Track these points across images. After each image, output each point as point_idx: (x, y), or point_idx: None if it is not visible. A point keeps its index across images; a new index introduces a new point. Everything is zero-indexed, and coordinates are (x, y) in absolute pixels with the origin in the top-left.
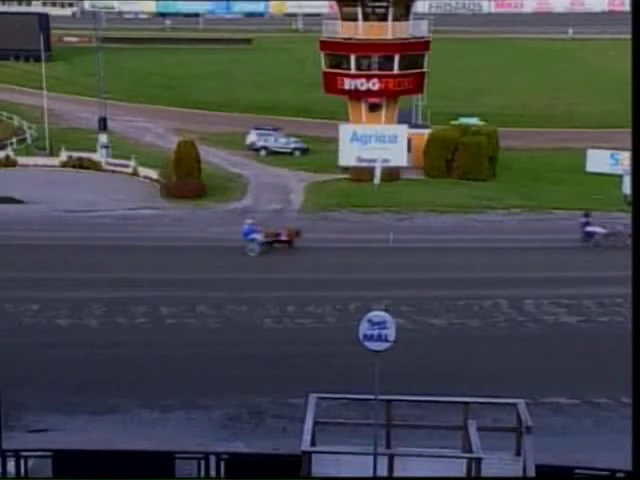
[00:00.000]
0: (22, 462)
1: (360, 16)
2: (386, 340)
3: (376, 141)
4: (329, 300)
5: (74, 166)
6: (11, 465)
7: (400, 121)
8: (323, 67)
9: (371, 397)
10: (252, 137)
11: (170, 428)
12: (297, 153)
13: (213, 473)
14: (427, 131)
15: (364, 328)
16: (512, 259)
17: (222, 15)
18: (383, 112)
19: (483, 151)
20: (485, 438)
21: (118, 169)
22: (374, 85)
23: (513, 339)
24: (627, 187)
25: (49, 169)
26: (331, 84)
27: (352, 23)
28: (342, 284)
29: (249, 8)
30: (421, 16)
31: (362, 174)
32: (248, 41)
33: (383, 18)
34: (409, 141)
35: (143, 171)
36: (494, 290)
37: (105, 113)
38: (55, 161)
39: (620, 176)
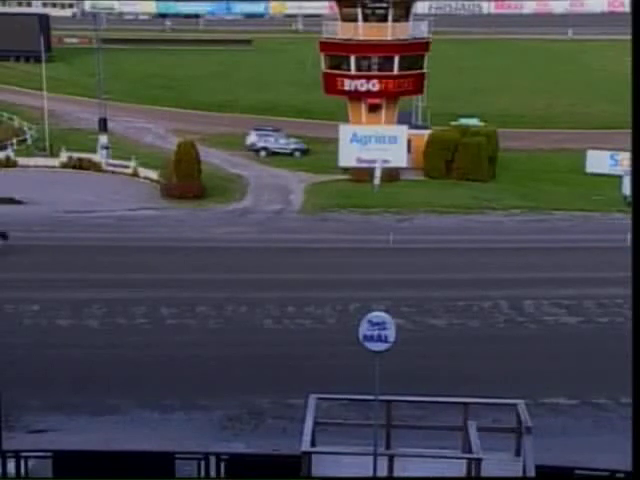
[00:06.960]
0: (22, 463)
1: (360, 17)
2: (386, 341)
3: (376, 142)
4: (329, 300)
5: (74, 167)
6: (11, 466)
7: (400, 122)
8: (323, 68)
9: (371, 397)
10: (252, 138)
11: (170, 428)
12: (297, 154)
13: (213, 473)
14: (427, 132)
15: (364, 329)
16: (512, 259)
17: (222, 16)
18: (383, 113)
19: (483, 152)
20: (485, 438)
21: (118, 170)
22: (374, 86)
23: (513, 340)
24: (627, 188)
25: (49, 170)
26: (331, 85)
27: (352, 24)
28: (342, 284)
29: (249, 9)
30: (421, 17)
31: (362, 175)
32: (248, 42)
33: (383, 19)
34: (409, 142)
35: (143, 172)
36: (494, 291)
37: (105, 114)
38: (55, 162)
39: (620, 177)
